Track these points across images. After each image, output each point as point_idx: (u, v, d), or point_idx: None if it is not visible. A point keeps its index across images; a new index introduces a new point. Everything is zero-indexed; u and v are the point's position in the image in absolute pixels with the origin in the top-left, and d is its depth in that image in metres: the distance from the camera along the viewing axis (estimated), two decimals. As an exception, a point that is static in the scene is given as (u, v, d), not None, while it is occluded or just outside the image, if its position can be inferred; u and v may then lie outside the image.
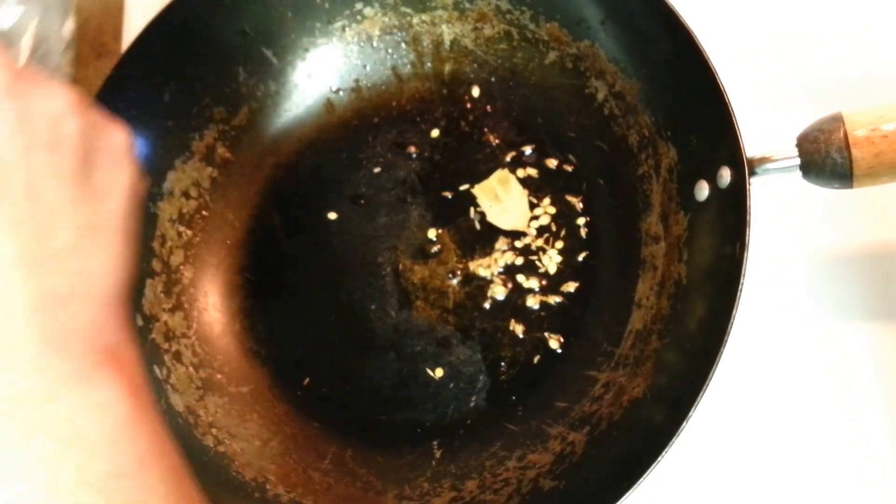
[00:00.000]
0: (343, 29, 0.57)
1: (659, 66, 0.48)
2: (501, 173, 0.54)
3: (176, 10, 0.53)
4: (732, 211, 0.42)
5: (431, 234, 0.54)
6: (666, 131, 0.48)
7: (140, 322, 0.52)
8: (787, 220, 0.51)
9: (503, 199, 0.53)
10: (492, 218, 0.53)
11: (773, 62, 0.54)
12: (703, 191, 0.45)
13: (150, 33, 0.53)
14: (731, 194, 0.42)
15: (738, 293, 0.39)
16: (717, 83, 0.43)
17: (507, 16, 0.54)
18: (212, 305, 0.55)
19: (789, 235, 0.50)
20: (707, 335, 0.41)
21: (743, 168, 0.42)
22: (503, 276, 0.52)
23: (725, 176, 0.43)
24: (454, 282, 0.53)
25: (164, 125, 0.55)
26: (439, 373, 0.51)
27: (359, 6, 0.56)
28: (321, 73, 0.58)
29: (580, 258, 0.52)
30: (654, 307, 0.47)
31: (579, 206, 0.53)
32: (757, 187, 0.42)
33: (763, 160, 0.42)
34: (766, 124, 0.45)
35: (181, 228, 0.55)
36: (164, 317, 0.53)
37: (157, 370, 0.51)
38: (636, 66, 0.49)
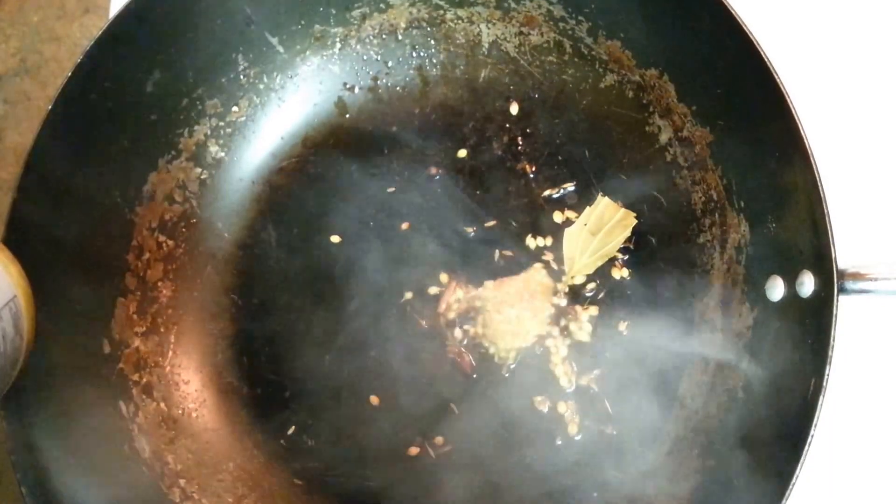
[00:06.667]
0: (363, 17, 0.48)
1: (743, 122, 0.38)
2: (624, 212, 0.44)
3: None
4: (811, 331, 0.34)
5: (446, 276, 0.46)
6: (739, 201, 0.39)
7: (107, 349, 0.46)
8: (879, 354, 0.41)
9: (599, 232, 0.43)
10: (568, 236, 0.44)
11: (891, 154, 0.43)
12: (776, 289, 0.37)
13: (131, 11, 0.44)
14: (812, 309, 0.34)
15: (805, 449, 0.32)
16: (812, 167, 0.34)
17: (561, 24, 0.45)
18: (191, 330, 0.48)
19: (880, 375, 0.41)
20: (756, 486, 0.33)
21: (831, 280, 0.33)
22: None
23: (807, 283, 0.35)
24: (469, 335, 0.45)
25: (146, 119, 0.47)
26: (440, 441, 0.44)
27: (384, -8, 0.47)
28: (334, 67, 0.49)
29: (619, 328, 0.44)
30: (699, 412, 0.39)
31: (623, 266, 0.44)
32: (846, 306, 0.33)
33: (857, 276, 0.33)
34: (868, 229, 0.36)
35: (162, 238, 0.49)
36: (136, 342, 0.47)
37: (122, 407, 0.45)
38: (713, 114, 0.40)
